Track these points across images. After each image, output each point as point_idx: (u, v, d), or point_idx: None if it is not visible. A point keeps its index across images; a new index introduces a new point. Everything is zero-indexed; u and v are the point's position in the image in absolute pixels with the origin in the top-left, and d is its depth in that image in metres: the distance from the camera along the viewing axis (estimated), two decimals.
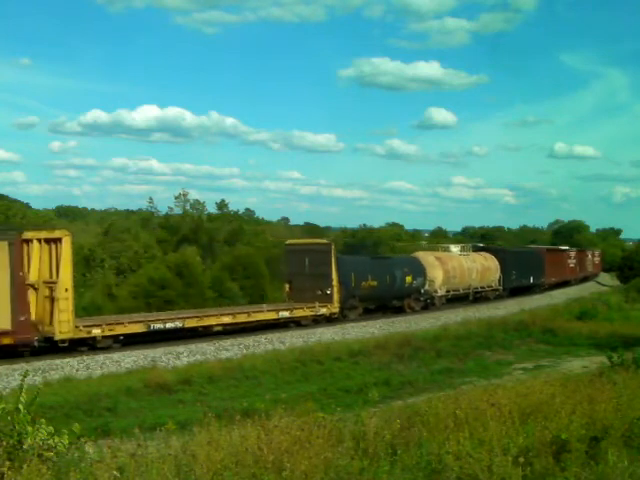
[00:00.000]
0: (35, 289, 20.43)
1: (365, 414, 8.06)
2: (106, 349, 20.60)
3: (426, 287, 34.74)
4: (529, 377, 14.07)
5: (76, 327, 20.21)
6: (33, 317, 19.88)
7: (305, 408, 8.91)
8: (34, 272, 20.52)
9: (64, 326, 19.88)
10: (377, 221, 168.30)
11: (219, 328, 24.45)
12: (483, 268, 40.59)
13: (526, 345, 25.70)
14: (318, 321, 28.38)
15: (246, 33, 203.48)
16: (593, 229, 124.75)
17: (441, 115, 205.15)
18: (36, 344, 19.58)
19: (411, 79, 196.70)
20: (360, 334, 26.74)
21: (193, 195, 68.94)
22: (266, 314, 26.84)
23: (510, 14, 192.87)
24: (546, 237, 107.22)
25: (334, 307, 29.19)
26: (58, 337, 19.78)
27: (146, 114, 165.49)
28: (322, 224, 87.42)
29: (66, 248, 20.52)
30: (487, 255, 42.54)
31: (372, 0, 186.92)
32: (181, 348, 21.75)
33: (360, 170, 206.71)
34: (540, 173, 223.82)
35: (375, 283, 31.19)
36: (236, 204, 71.35)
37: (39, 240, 20.88)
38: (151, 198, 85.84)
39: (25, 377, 6.57)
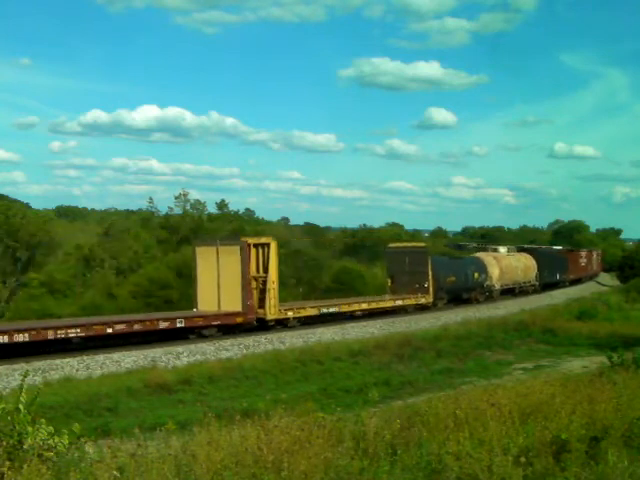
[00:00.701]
0: (256, 281, 26.58)
1: (365, 414, 8.06)
2: (293, 327, 27.09)
3: (487, 282, 41.62)
4: (529, 377, 14.07)
5: (279, 310, 26.82)
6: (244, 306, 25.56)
7: (305, 408, 8.91)
8: (252, 269, 26.68)
9: (272, 309, 26.42)
10: (377, 221, 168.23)
11: (359, 313, 31.93)
12: (525, 266, 47.77)
13: (526, 345, 25.71)
14: (418, 309, 35.10)
15: (246, 33, 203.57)
16: (593, 229, 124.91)
17: (441, 115, 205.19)
18: (255, 323, 25.95)
19: (411, 79, 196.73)
20: (360, 334, 26.75)
21: (193, 195, 68.90)
22: (387, 302, 34.02)
23: (510, 14, 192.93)
24: (546, 237, 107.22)
25: (430, 297, 35.96)
26: (269, 317, 26.35)
27: (146, 114, 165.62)
28: (322, 224, 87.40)
29: (273, 251, 26.74)
30: (527, 255, 49.71)
31: (372, 0, 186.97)
32: (181, 348, 21.75)
33: (360, 170, 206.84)
34: (540, 173, 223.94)
35: (454, 279, 38.32)
36: (236, 204, 71.41)
37: (255, 245, 26.98)
38: (151, 198, 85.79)
39: (25, 377, 6.57)
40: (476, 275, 40.35)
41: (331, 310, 29.61)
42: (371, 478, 6.18)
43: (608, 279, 72.62)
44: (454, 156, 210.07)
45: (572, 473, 6.49)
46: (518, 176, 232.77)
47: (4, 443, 5.85)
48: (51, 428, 6.25)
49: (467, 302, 39.51)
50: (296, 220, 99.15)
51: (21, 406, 6.17)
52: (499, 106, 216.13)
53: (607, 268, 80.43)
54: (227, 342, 23.29)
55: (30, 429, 6.07)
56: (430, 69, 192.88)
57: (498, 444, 6.73)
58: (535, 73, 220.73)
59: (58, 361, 18.75)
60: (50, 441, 6.12)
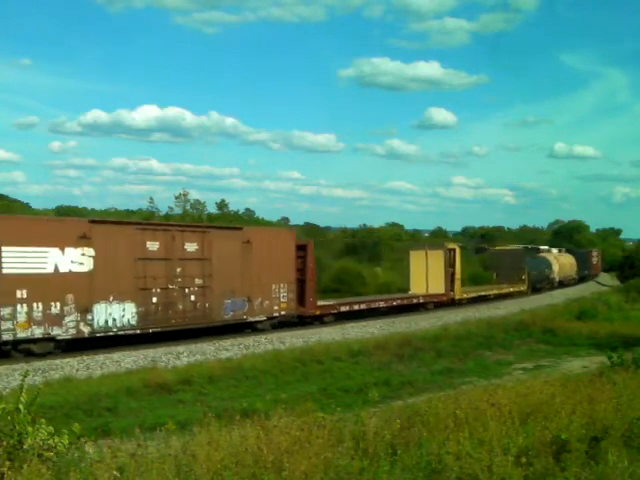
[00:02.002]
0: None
1: (365, 414, 8.06)
2: (463, 305, 38.53)
3: (551, 275, 54.57)
4: (529, 377, 14.07)
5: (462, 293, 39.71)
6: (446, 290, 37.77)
7: (305, 408, 8.91)
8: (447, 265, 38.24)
9: (458, 292, 38.99)
10: (377, 221, 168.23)
11: (492, 296, 43.39)
12: (570, 264, 61.00)
13: (526, 345, 25.71)
14: (519, 295, 46.02)
15: (246, 33, 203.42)
16: (593, 229, 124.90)
17: (441, 115, 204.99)
18: (454, 302, 38.10)
19: (411, 79, 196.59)
20: (360, 334, 26.75)
21: (193, 195, 68.86)
22: (501, 290, 44.98)
23: (510, 14, 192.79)
24: (546, 237, 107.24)
25: (525, 286, 48.07)
26: (456, 297, 38.71)
27: (146, 114, 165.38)
28: (322, 224, 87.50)
29: (457, 254, 39.33)
30: (569, 255, 63.47)
31: (372, 0, 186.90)
32: (181, 348, 21.76)
33: (360, 170, 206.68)
34: (540, 173, 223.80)
35: (535, 273, 50.61)
36: (236, 204, 71.43)
37: (448, 249, 39.15)
38: (151, 198, 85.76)
39: (25, 377, 6.58)
40: (547, 270, 53.71)
41: (481, 294, 42.46)
42: (371, 478, 6.18)
43: (608, 279, 72.66)
44: (454, 156, 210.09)
45: (572, 473, 6.50)
46: (518, 176, 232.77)
47: (4, 443, 5.85)
48: (51, 428, 6.26)
49: (539, 290, 50.79)
50: (296, 220, 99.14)
51: (21, 406, 6.18)
52: (499, 106, 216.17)
53: (607, 268, 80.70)
54: (227, 342, 23.30)
55: (30, 429, 6.08)
56: (430, 69, 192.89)
57: (498, 444, 6.73)
58: (535, 73, 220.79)
59: (58, 361, 18.76)
60: (50, 441, 6.13)
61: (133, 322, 21.70)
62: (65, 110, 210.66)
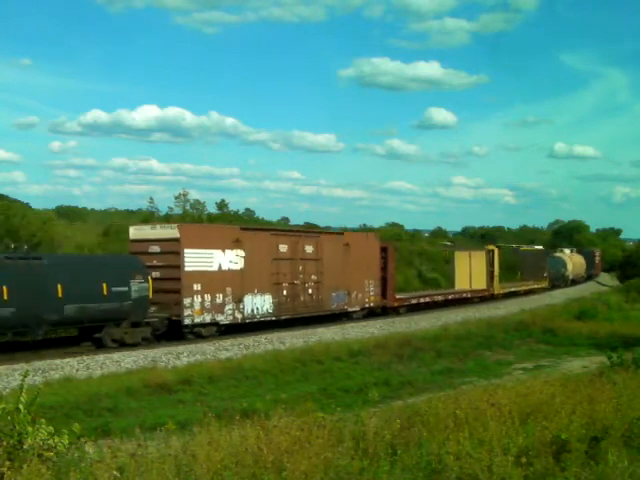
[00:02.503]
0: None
1: (365, 414, 8.07)
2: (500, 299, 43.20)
3: (566, 273, 59.53)
4: (529, 377, 14.07)
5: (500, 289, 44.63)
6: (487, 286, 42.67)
7: (305, 408, 8.91)
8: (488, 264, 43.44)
9: (497, 288, 43.70)
10: (377, 221, 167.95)
11: (523, 291, 49.22)
12: (580, 263, 65.93)
13: (526, 345, 25.71)
14: (542, 291, 51.11)
15: (246, 33, 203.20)
16: (593, 229, 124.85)
17: (441, 115, 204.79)
18: (493, 296, 42.81)
19: (411, 79, 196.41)
20: (360, 334, 26.75)
21: (193, 195, 68.81)
22: (529, 286, 50.49)
23: (510, 14, 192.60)
24: (546, 237, 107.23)
25: (547, 283, 53.41)
26: (495, 292, 43.25)
27: (146, 114, 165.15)
28: (322, 224, 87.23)
29: (496, 254, 44.10)
30: (580, 255, 68.02)
31: (372, 0, 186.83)
32: (181, 348, 21.76)
33: (360, 170, 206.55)
34: (540, 173, 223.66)
35: (554, 271, 56.17)
36: (236, 204, 71.36)
37: (488, 251, 44.10)
38: (151, 198, 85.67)
39: (25, 377, 6.58)
40: (562, 269, 58.97)
41: (512, 289, 47.29)
42: (371, 478, 6.18)
43: (608, 279, 72.70)
44: (454, 156, 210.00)
45: (572, 473, 6.50)
46: (518, 176, 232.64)
47: (4, 443, 5.85)
48: (51, 428, 6.26)
49: (557, 287, 55.80)
50: (296, 220, 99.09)
51: (21, 406, 6.17)
52: (499, 106, 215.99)
53: (607, 268, 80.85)
54: (227, 342, 23.30)
55: (30, 429, 6.08)
56: (430, 69, 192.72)
57: (498, 444, 6.73)
58: (535, 73, 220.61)
59: (58, 361, 18.76)
60: (50, 441, 6.13)
61: (270, 310, 26.33)
62: (65, 110, 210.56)
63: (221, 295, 24.09)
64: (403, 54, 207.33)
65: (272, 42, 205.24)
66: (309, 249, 28.21)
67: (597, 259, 76.33)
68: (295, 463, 6.11)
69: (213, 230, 27.58)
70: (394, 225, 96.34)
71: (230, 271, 24.45)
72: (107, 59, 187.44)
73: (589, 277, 70.48)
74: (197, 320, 23.33)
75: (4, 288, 18.09)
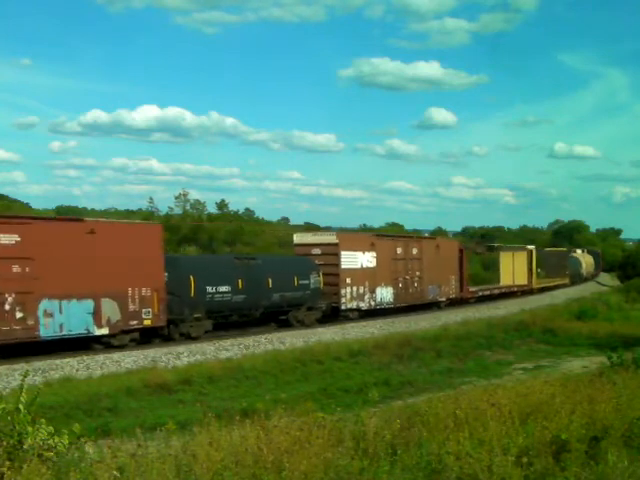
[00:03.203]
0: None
1: (365, 414, 8.06)
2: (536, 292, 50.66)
3: (581, 271, 66.47)
4: (529, 377, 14.06)
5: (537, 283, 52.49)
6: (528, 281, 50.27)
7: (305, 408, 8.91)
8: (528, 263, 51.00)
9: (535, 282, 51.04)
10: (377, 221, 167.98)
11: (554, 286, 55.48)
12: (590, 263, 72.53)
13: (526, 345, 25.70)
14: (564, 286, 57.54)
15: (246, 33, 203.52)
16: (593, 229, 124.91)
17: (441, 115, 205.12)
18: (532, 291, 50.15)
19: (411, 79, 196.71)
20: (360, 334, 26.74)
21: (193, 195, 68.92)
22: (555, 282, 57.03)
23: (510, 14, 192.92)
24: (546, 237, 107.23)
25: (567, 280, 59.97)
26: (534, 287, 50.75)
27: (146, 114, 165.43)
28: (322, 224, 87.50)
29: (534, 254, 51.47)
30: (589, 255, 74.15)
31: (372, 0, 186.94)
32: (181, 348, 21.76)
33: (360, 170, 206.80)
34: (540, 173, 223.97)
35: (572, 269, 63.58)
36: (236, 204, 71.55)
37: (528, 250, 51.61)
38: (151, 198, 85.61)
39: (25, 377, 6.58)
40: (579, 267, 66.54)
41: (544, 285, 54.18)
42: (371, 478, 6.18)
43: (608, 279, 72.72)
44: (454, 156, 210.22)
45: (572, 473, 6.50)
46: (518, 176, 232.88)
47: (4, 443, 5.85)
48: (51, 428, 6.26)
49: (575, 283, 62.04)
50: (296, 220, 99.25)
51: (21, 406, 6.17)
52: (499, 106, 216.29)
53: (607, 268, 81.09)
54: (227, 342, 23.31)
55: (30, 429, 6.07)
56: (430, 69, 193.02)
57: (498, 444, 6.73)
58: (535, 73, 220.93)
59: (58, 361, 18.76)
60: (50, 441, 6.13)
61: (391, 300, 33.47)
62: (65, 110, 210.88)
63: (362, 287, 31.25)
64: (403, 54, 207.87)
65: (272, 42, 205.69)
66: (414, 251, 35.38)
67: (599, 259, 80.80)
68: (295, 463, 6.10)
69: (357, 237, 36.58)
70: (394, 225, 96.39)
71: (367, 268, 31.49)
72: (107, 59, 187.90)
73: (595, 274, 77.50)
74: (348, 306, 30.46)
75: (239, 280, 25.00)
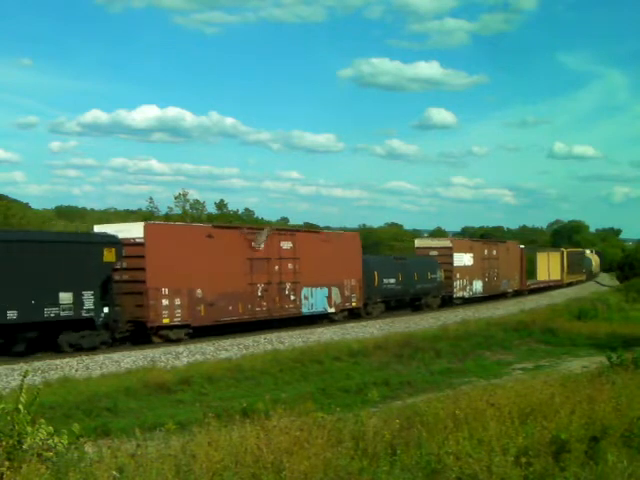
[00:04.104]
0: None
1: (365, 414, 8.06)
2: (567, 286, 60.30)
3: (591, 269, 75.86)
4: (529, 377, 14.06)
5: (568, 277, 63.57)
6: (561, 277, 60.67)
7: (304, 408, 8.91)
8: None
9: (566, 277, 61.39)
10: (377, 221, 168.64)
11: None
12: (597, 262, 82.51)
13: (526, 345, 25.71)
14: (582, 282, 67.63)
15: (246, 34, 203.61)
16: (593, 229, 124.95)
17: (441, 115, 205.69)
18: (563, 285, 59.99)
19: (411, 79, 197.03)
20: (360, 334, 26.75)
21: (193, 195, 68.88)
22: (577, 278, 66.60)
23: (510, 14, 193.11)
24: (546, 237, 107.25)
25: (584, 277, 69.45)
26: (565, 281, 60.70)
27: (146, 114, 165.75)
28: (322, 224, 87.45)
29: (565, 254, 61.78)
30: (596, 255, 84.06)
31: (372, 1, 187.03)
32: (181, 348, 21.76)
33: (360, 170, 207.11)
34: (540, 173, 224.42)
35: (585, 267, 71.62)
36: (236, 204, 71.56)
37: (561, 251, 63.29)
38: (151, 198, 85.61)
39: (25, 377, 6.57)
40: (590, 266, 75.12)
41: (570, 281, 63.18)
42: (370, 478, 6.17)
43: (608, 279, 72.73)
44: (454, 156, 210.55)
45: (572, 473, 6.50)
46: (518, 176, 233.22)
47: (4, 443, 5.84)
48: (51, 428, 6.25)
49: (588, 279, 71.58)
50: (295, 220, 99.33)
51: (21, 406, 6.16)
52: (499, 106, 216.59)
53: (607, 268, 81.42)
54: (226, 342, 23.30)
55: (30, 429, 6.06)
56: (430, 69, 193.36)
57: (497, 444, 6.73)
58: (535, 73, 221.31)
59: (58, 361, 18.75)
60: (50, 441, 6.12)
61: (481, 290, 43.30)
62: (65, 110, 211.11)
63: (465, 280, 40.76)
64: (403, 54, 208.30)
65: (272, 42, 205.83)
66: (494, 252, 45.43)
67: (600, 258, 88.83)
68: (295, 463, 6.10)
69: (462, 241, 45.72)
70: (394, 225, 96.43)
71: (468, 266, 41.04)
72: (107, 59, 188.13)
73: (599, 272, 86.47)
74: (457, 295, 40.08)
75: (399, 274, 34.35)
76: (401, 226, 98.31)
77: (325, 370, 19.34)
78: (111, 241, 21.43)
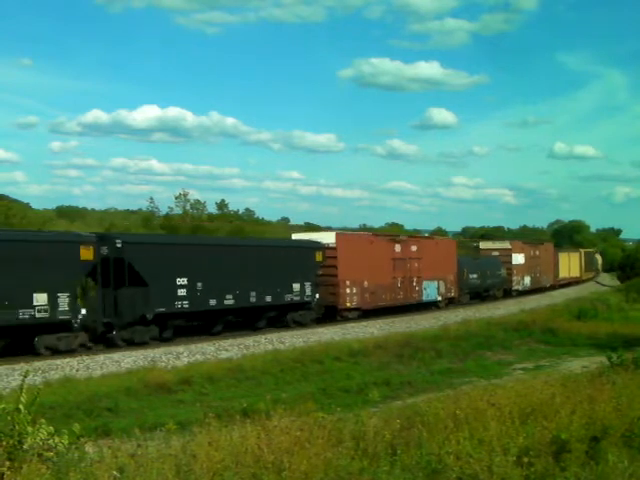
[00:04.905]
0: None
1: (365, 414, 8.06)
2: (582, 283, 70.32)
3: (597, 267, 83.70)
4: (529, 377, 14.06)
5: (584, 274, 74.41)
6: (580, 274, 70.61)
7: (305, 408, 8.91)
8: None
9: (583, 276, 71.64)
10: (377, 221, 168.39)
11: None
12: (600, 260, 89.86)
13: (526, 345, 25.71)
14: (592, 279, 76.44)
15: (247, 34, 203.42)
16: (593, 229, 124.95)
17: (441, 115, 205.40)
18: (580, 281, 69.86)
19: (411, 79, 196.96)
20: (360, 334, 26.74)
21: (193, 195, 68.90)
22: (589, 275, 75.15)
23: (510, 15, 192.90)
24: (546, 237, 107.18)
25: (594, 274, 78.77)
26: (583, 278, 71.45)
27: (146, 114, 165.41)
28: (322, 224, 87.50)
29: (582, 254, 71.62)
30: (599, 255, 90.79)
31: (372, 1, 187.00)
32: (181, 348, 21.76)
33: (360, 170, 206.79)
34: (540, 173, 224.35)
35: (595, 264, 79.02)
36: (236, 204, 71.76)
37: (580, 251, 73.88)
38: (152, 198, 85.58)
39: (25, 377, 6.57)
40: (597, 264, 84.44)
41: (585, 277, 71.73)
42: (371, 478, 6.17)
43: (608, 279, 72.72)
44: (454, 156, 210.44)
45: (572, 473, 6.50)
46: (518, 176, 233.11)
47: (4, 443, 5.84)
48: (51, 428, 6.24)
49: (596, 277, 80.00)
50: (296, 220, 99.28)
51: (21, 406, 6.16)
52: (499, 106, 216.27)
53: (607, 268, 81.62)
54: (227, 342, 23.31)
55: (30, 429, 6.06)
56: (430, 69, 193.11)
57: (498, 444, 6.73)
58: (535, 73, 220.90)
59: (58, 361, 18.75)
60: (50, 441, 6.11)
61: (529, 285, 52.00)
62: (65, 110, 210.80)
63: (520, 276, 50.26)
64: (403, 54, 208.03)
65: (272, 42, 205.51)
66: (537, 253, 53.87)
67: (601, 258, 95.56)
68: (295, 463, 6.10)
69: (517, 243, 52.23)
70: (394, 225, 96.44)
71: (521, 264, 50.03)
72: (107, 59, 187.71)
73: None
74: (514, 288, 49.24)
75: (479, 271, 43.22)
76: (402, 226, 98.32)
77: (326, 370, 19.34)
78: (319, 246, 29.58)
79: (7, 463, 5.61)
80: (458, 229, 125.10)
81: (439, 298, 38.15)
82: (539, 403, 8.54)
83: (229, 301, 25.05)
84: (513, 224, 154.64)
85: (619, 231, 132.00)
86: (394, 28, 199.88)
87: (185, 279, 23.42)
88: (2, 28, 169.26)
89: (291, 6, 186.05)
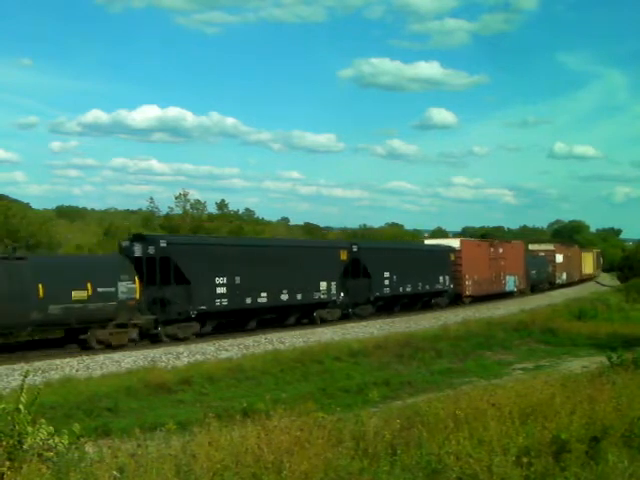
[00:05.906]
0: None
1: (365, 414, 8.06)
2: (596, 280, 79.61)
3: (600, 265, 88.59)
4: (529, 377, 14.05)
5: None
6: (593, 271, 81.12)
7: (305, 408, 8.91)
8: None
9: (596, 273, 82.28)
10: (377, 221, 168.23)
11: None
12: (602, 260, 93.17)
13: (526, 345, 25.71)
14: (597, 276, 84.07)
15: (246, 34, 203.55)
16: (593, 229, 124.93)
17: (441, 115, 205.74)
18: (593, 277, 79.65)
19: (411, 79, 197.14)
20: (360, 334, 26.74)
21: (193, 195, 68.74)
22: (594, 272, 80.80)
23: (510, 15, 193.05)
24: (546, 237, 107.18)
25: (599, 272, 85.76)
26: (595, 275, 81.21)
27: (146, 114, 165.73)
28: (322, 224, 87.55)
29: (596, 253, 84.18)
30: (601, 255, 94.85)
31: (372, 1, 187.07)
32: (181, 348, 21.76)
33: (360, 170, 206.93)
34: (540, 173, 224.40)
35: (599, 265, 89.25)
36: (236, 204, 71.54)
37: (592, 250, 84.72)
38: (152, 198, 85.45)
39: (25, 377, 6.57)
40: (601, 262, 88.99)
41: (594, 273, 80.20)
42: (371, 478, 6.17)
43: (608, 279, 72.74)
44: (454, 156, 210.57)
45: (572, 473, 6.50)
46: (518, 176, 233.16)
47: (4, 443, 5.84)
48: (51, 428, 6.24)
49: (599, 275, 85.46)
50: (296, 220, 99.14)
51: (21, 406, 6.16)
52: (499, 106, 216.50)
53: (607, 268, 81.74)
54: (227, 342, 23.31)
55: (30, 429, 6.06)
56: (430, 69, 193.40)
57: (498, 444, 6.73)
58: (535, 73, 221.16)
59: (58, 361, 18.75)
60: (50, 441, 6.11)
61: (565, 280, 62.50)
62: (65, 110, 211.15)
63: (559, 272, 60.09)
64: (403, 54, 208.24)
65: (272, 42, 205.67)
66: (570, 253, 64.44)
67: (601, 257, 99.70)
68: (295, 463, 6.10)
69: (558, 246, 62.70)
70: (394, 225, 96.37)
71: (560, 262, 59.81)
72: (107, 59, 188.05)
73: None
74: (557, 281, 59.62)
75: (536, 268, 54.81)
76: (402, 226, 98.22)
77: (325, 370, 19.34)
78: (452, 250, 40.15)
79: (7, 463, 5.61)
80: (458, 229, 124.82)
81: (515, 289, 49.10)
82: (539, 403, 8.54)
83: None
84: (513, 224, 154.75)
85: (619, 231, 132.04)
86: (394, 28, 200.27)
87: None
88: (2, 28, 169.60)
89: (291, 6, 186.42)
